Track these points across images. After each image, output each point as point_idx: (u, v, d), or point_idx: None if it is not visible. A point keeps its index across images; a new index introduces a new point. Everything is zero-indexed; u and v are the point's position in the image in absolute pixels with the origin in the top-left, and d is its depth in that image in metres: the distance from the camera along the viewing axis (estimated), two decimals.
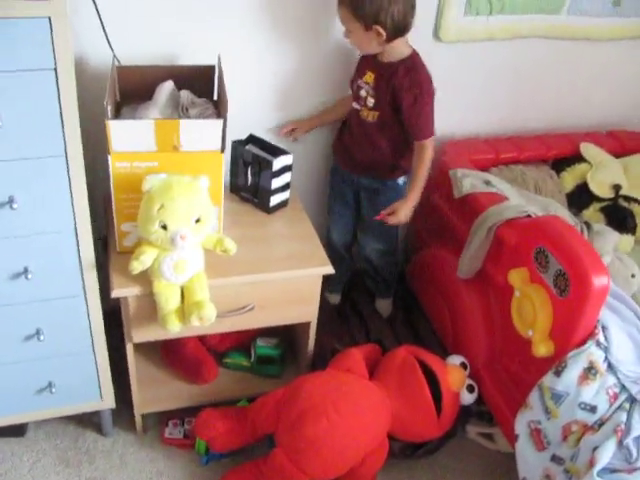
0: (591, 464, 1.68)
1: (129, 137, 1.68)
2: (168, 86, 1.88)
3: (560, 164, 2.53)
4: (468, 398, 2.08)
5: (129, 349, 1.95)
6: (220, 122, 1.71)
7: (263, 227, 2.07)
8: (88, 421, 2.19)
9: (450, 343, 2.34)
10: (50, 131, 1.50)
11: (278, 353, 2.24)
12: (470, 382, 2.09)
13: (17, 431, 2.13)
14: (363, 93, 2.14)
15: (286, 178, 2.10)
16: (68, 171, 1.57)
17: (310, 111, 2.35)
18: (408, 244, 2.74)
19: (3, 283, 1.70)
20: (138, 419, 2.15)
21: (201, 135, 1.73)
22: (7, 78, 1.41)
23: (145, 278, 1.80)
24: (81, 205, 1.63)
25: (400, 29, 2.00)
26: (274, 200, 2.10)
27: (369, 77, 2.12)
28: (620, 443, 1.71)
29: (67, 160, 1.55)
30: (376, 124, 2.16)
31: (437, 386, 2.03)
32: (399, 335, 2.45)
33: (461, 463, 2.22)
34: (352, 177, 2.31)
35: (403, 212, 2.14)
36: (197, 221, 1.71)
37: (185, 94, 1.90)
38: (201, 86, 1.99)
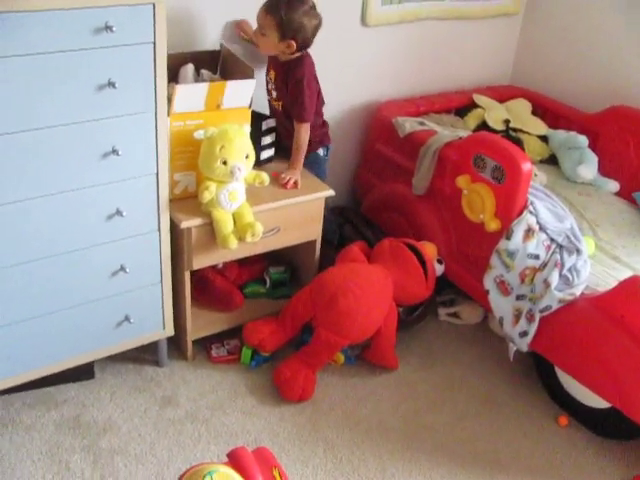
0: (546, 286, 2.39)
1: (186, 100, 2.19)
2: (190, 67, 2.42)
3: (461, 112, 3.30)
4: (439, 268, 2.74)
5: (187, 277, 2.42)
6: (253, 81, 2.27)
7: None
8: (143, 359, 2.61)
9: None
10: (146, 92, 1.99)
11: (287, 276, 2.81)
12: (438, 257, 2.75)
13: (87, 374, 2.51)
14: (270, 86, 2.60)
15: (272, 137, 2.62)
16: (156, 124, 2.06)
17: None
18: (356, 190, 3.36)
19: (101, 224, 2.11)
20: (189, 345, 2.59)
21: (237, 94, 2.27)
22: (124, 50, 1.89)
23: (200, 213, 2.31)
24: (163, 152, 2.12)
25: (306, 46, 2.45)
26: (263, 155, 2.60)
27: (272, 74, 2.56)
28: (560, 274, 2.43)
29: (156, 115, 2.05)
30: (282, 112, 2.60)
31: (419, 260, 2.65)
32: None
33: (440, 337, 2.90)
34: None
35: (294, 178, 2.52)
36: (246, 157, 2.26)
37: (205, 72, 2.44)
38: (206, 66, 2.51)
